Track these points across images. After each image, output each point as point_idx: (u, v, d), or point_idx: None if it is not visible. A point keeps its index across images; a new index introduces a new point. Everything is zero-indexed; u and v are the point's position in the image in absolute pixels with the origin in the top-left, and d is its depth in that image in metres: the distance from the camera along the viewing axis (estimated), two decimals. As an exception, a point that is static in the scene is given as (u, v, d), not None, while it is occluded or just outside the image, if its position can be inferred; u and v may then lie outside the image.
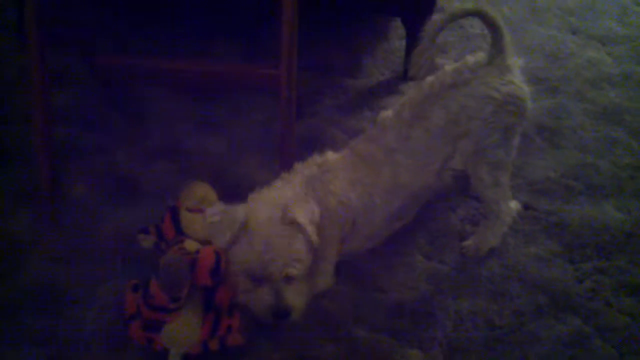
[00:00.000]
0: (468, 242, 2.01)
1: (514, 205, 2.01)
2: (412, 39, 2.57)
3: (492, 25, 1.88)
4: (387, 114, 2.03)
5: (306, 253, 1.74)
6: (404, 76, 2.61)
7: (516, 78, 1.92)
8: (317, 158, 1.95)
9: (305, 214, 1.74)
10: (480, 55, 1.95)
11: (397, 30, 2.80)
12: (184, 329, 1.65)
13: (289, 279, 1.70)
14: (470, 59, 1.95)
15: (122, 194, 2.14)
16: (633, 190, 2.20)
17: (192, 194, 1.83)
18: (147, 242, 1.87)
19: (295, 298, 1.71)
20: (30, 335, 1.75)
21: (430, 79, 1.97)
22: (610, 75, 2.66)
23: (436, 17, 1.90)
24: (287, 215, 1.72)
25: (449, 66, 1.97)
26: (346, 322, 1.81)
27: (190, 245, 1.74)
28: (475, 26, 2.81)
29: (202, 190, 1.84)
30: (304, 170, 1.91)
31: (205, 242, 1.75)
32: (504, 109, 1.89)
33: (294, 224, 1.72)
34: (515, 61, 1.93)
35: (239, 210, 1.73)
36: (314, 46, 2.69)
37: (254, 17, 2.76)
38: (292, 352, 1.74)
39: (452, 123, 1.91)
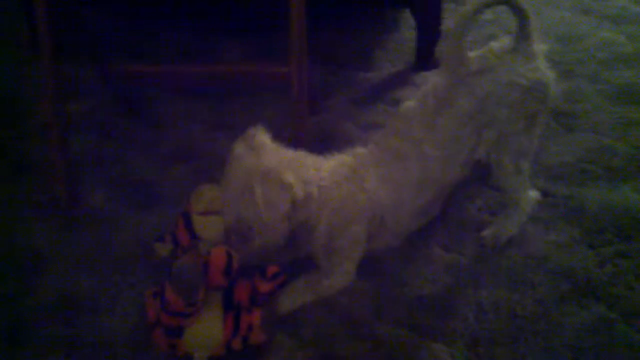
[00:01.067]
0: (487, 232, 1.99)
1: (533, 194, 1.99)
2: (422, 29, 2.57)
3: (519, 12, 1.85)
4: (410, 104, 1.97)
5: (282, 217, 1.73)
6: (416, 67, 2.61)
7: (541, 64, 1.89)
8: (351, 151, 1.93)
9: (267, 192, 1.71)
10: (505, 41, 1.92)
11: (407, 20, 2.79)
12: (205, 332, 1.67)
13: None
14: (495, 45, 1.92)
15: (140, 199, 2.15)
16: (652, 171, 2.18)
17: (201, 197, 1.84)
18: (164, 250, 1.88)
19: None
20: (52, 344, 1.77)
21: (453, 68, 1.91)
22: (625, 55, 2.64)
23: (466, 7, 1.86)
24: (273, 174, 1.71)
25: (473, 53, 1.93)
26: (367, 318, 1.81)
27: (204, 247, 1.75)
28: (486, 12, 2.78)
29: (211, 193, 1.85)
30: (346, 158, 1.89)
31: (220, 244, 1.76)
32: (530, 95, 1.86)
33: (277, 181, 1.71)
34: (540, 47, 1.90)
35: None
36: (324, 41, 2.69)
37: (263, 16, 2.76)
38: (314, 350, 1.75)
39: (478, 111, 1.88)
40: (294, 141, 2.12)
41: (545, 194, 2.08)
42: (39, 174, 2.22)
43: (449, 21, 2.75)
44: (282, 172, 1.73)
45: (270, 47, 2.67)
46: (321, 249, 1.86)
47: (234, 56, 2.65)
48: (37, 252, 2.00)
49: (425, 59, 2.60)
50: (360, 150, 1.95)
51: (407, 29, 2.76)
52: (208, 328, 1.67)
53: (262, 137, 1.81)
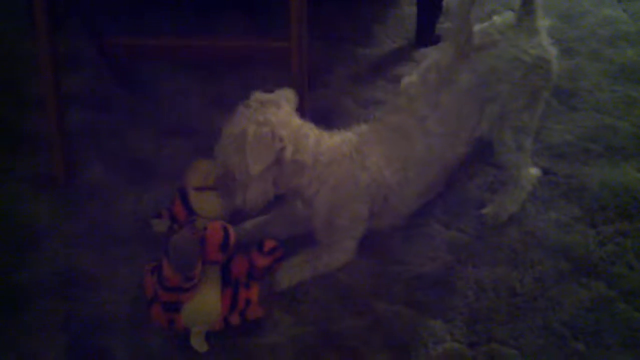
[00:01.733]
0: (487, 210, 1.98)
1: (534, 171, 1.98)
2: (423, 5, 2.54)
3: None
4: (411, 79, 1.95)
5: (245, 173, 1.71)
6: (416, 43, 2.58)
7: (544, 40, 1.87)
8: (355, 128, 1.91)
9: (256, 142, 1.69)
10: (508, 16, 1.90)
11: (408, -4, 2.76)
12: (203, 306, 1.66)
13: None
14: (498, 19, 1.90)
15: (138, 174, 2.14)
16: (653, 150, 2.17)
17: (197, 172, 1.82)
18: (161, 226, 1.86)
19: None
20: (49, 319, 1.76)
21: (455, 40, 1.88)
22: (627, 32, 2.61)
23: None
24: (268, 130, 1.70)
25: (475, 28, 1.89)
26: (366, 295, 1.81)
27: (201, 223, 1.74)
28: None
29: (206, 168, 1.82)
30: (351, 136, 1.87)
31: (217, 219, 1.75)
32: (533, 72, 1.84)
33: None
34: (543, 23, 1.88)
35: None
36: (324, 16, 2.66)
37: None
38: (312, 326, 1.74)
39: (481, 86, 1.86)
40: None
41: (546, 172, 2.07)
42: (35, 147, 2.20)
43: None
44: (276, 125, 1.70)
45: (270, 22, 2.64)
46: (321, 225, 1.85)
47: (234, 30, 2.62)
48: (34, 226, 1.98)
49: (425, 36, 2.58)
50: (363, 127, 1.93)
51: (408, 4, 2.73)
52: (206, 303, 1.67)
53: (283, 96, 1.79)
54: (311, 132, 1.81)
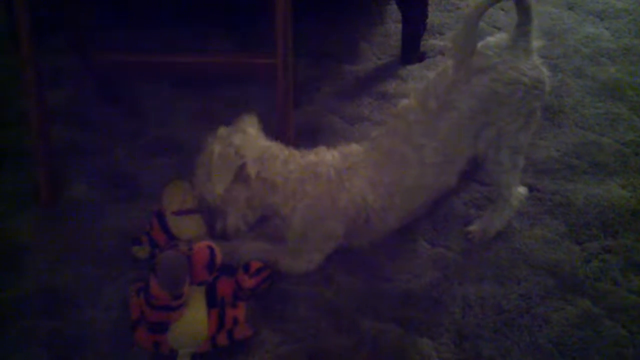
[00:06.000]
0: (474, 227, 1.98)
1: (521, 190, 1.98)
2: (408, 22, 2.55)
3: (525, 8, 1.80)
4: (409, 103, 1.92)
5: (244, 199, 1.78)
6: (401, 60, 2.59)
7: (537, 61, 1.87)
8: (345, 148, 1.92)
9: (222, 158, 1.75)
10: (502, 37, 1.88)
11: (393, 14, 2.77)
12: (190, 327, 1.64)
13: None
14: (492, 40, 1.88)
15: (123, 191, 2.12)
16: (637, 167, 2.17)
17: (174, 196, 1.82)
18: (142, 252, 1.86)
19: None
20: (34, 336, 1.74)
21: (452, 62, 1.85)
22: (609, 50, 2.64)
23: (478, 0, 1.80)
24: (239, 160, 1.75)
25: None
26: (353, 313, 1.80)
27: (184, 246, 1.73)
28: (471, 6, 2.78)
29: (183, 190, 1.82)
30: (334, 154, 1.89)
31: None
32: (531, 93, 1.84)
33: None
34: (536, 44, 1.88)
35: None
36: (310, 33, 2.67)
37: (249, 8, 2.73)
38: (299, 344, 1.73)
39: (481, 111, 1.84)
40: (280, 133, 2.10)
41: (531, 189, 2.08)
42: (19, 164, 2.18)
43: (434, 15, 2.75)
44: (239, 146, 1.76)
45: (256, 38, 2.65)
46: (294, 237, 1.86)
47: (220, 47, 2.62)
48: (17, 244, 1.96)
49: (410, 53, 2.59)
50: (355, 147, 1.93)
51: (393, 22, 2.75)
52: (193, 324, 1.65)
53: (246, 123, 1.84)
54: (281, 152, 1.85)
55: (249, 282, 1.72)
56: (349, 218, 1.86)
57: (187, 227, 1.81)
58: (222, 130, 1.82)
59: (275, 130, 2.15)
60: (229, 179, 1.75)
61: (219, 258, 1.69)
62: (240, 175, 1.77)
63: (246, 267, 1.75)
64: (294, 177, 1.82)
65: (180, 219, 1.81)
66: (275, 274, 1.83)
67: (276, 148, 1.85)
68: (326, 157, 1.89)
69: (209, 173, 1.76)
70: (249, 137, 1.80)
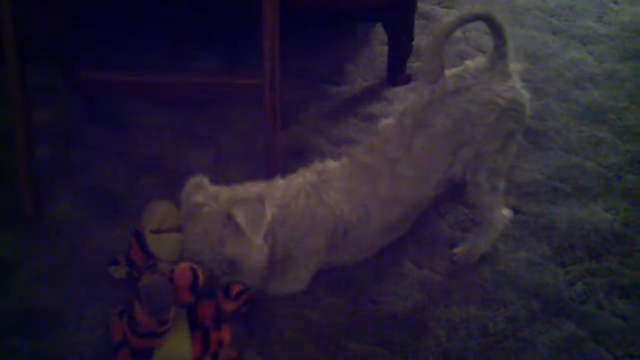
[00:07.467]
0: (459, 249, 1.99)
1: (506, 212, 2.00)
2: (394, 44, 2.57)
3: (497, 30, 1.84)
4: (388, 122, 1.98)
5: (247, 254, 1.75)
6: (388, 82, 2.61)
7: (517, 84, 1.90)
8: (318, 165, 1.94)
9: (247, 214, 1.73)
10: (480, 61, 1.92)
11: (379, 35, 2.79)
12: (175, 352, 1.62)
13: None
14: (471, 64, 1.92)
15: (107, 210, 2.11)
16: (621, 190, 2.20)
17: (153, 215, 1.79)
18: (119, 272, 1.84)
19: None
20: (17, 356, 1.72)
21: (430, 85, 1.91)
22: (593, 74, 2.67)
23: (446, 20, 1.86)
24: (228, 213, 1.73)
25: (449, 71, 1.92)
26: (338, 335, 1.79)
27: (163, 266, 1.71)
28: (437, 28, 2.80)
29: (163, 209, 1.80)
30: (305, 174, 1.91)
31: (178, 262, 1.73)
32: (507, 115, 1.87)
33: (232, 221, 1.73)
34: (516, 66, 1.91)
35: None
36: (297, 55, 2.67)
37: (236, 29, 2.74)
38: (285, 366, 1.73)
39: (455, 131, 1.87)
40: (266, 154, 2.10)
41: (516, 211, 2.09)
42: (3, 182, 2.16)
43: (420, 37, 2.77)
44: (256, 195, 1.76)
45: (244, 59, 2.65)
46: (277, 259, 1.85)
47: (208, 67, 2.62)
48: (1, 262, 1.94)
49: (396, 75, 2.60)
50: (330, 164, 1.95)
51: (379, 44, 2.76)
52: (176, 347, 1.63)
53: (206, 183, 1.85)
54: (257, 187, 1.86)
55: (230, 306, 1.70)
56: (327, 231, 1.87)
57: (166, 246, 1.79)
58: (196, 197, 1.81)
59: (262, 152, 2.17)
60: (265, 230, 1.76)
61: (201, 279, 1.67)
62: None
63: (226, 291, 1.72)
64: (282, 203, 1.84)
65: (159, 237, 1.79)
66: (260, 296, 1.82)
67: (250, 185, 1.87)
68: (302, 175, 1.92)
69: (208, 238, 1.74)
70: (233, 190, 1.83)
